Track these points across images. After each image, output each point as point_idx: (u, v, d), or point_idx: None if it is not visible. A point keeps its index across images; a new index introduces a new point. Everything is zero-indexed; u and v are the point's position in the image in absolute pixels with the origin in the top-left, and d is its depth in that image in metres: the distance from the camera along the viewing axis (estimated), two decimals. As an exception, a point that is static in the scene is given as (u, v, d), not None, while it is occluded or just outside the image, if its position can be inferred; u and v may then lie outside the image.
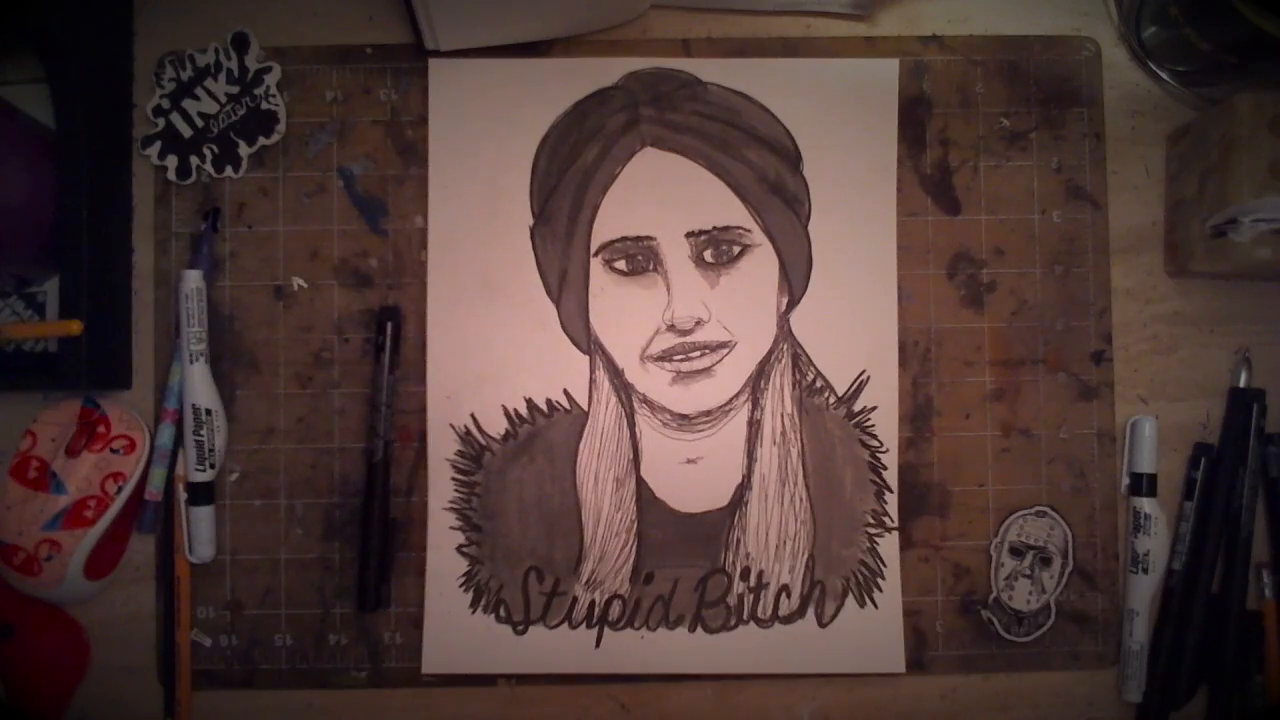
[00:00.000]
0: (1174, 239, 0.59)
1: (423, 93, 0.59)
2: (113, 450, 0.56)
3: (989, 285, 0.59)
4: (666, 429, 0.58)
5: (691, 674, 0.58)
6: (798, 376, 0.58)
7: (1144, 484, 0.58)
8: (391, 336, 0.58)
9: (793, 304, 0.59)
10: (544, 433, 0.58)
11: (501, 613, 0.58)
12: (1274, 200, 0.51)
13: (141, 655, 0.58)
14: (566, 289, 0.59)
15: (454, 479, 0.58)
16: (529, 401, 0.58)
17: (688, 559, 0.58)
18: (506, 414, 0.58)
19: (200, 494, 0.56)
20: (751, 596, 0.58)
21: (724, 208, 0.58)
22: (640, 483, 0.58)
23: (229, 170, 0.59)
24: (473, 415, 0.58)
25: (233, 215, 0.59)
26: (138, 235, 0.59)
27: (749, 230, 0.58)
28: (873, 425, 0.58)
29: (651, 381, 0.58)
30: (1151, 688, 0.57)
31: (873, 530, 0.58)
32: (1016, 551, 0.58)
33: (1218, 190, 0.54)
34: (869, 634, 0.58)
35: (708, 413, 0.58)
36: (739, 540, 0.58)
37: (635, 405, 0.58)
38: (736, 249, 0.58)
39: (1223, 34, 0.54)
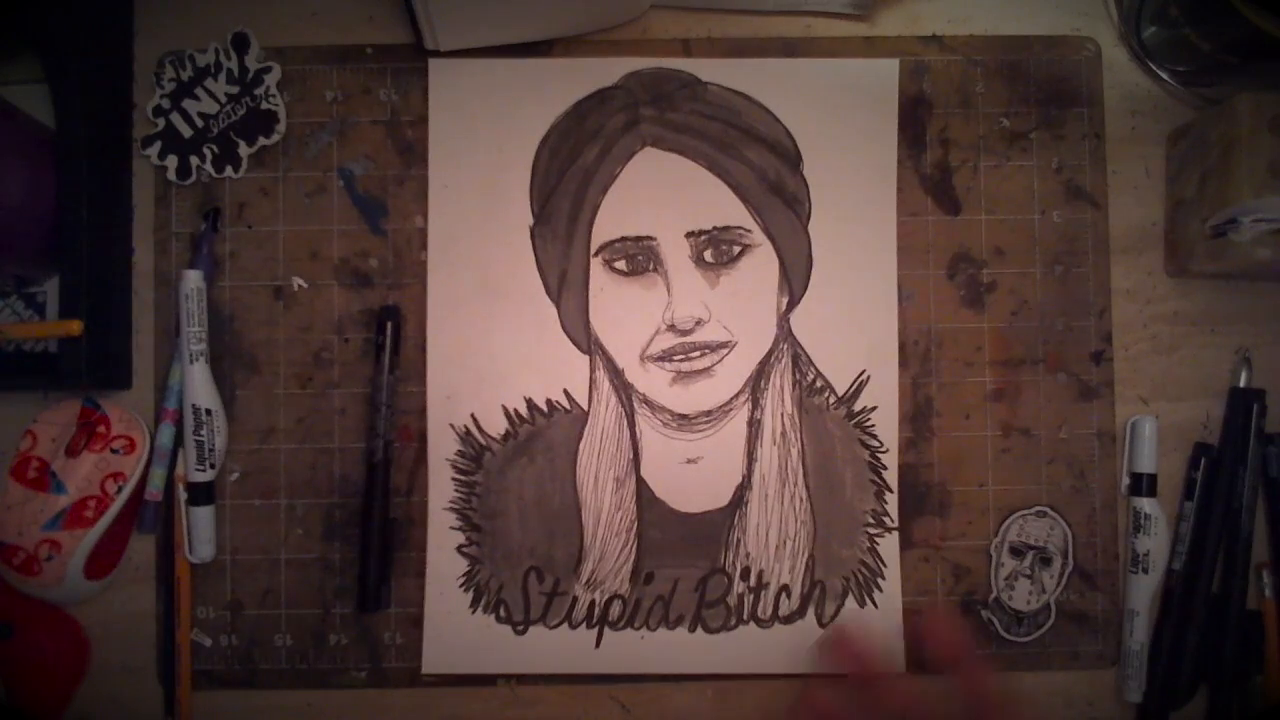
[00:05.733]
0: (1174, 239, 0.59)
1: (423, 93, 0.59)
2: (113, 450, 0.56)
3: (989, 285, 0.59)
4: (666, 429, 0.58)
5: (691, 674, 0.58)
6: (798, 376, 0.58)
7: (1144, 484, 0.58)
8: (391, 336, 0.58)
9: (793, 304, 0.59)
10: (544, 433, 0.58)
11: (501, 613, 0.58)
12: (1274, 200, 0.51)
13: (141, 655, 0.58)
14: (566, 289, 0.59)
15: (454, 479, 0.58)
16: (529, 401, 0.58)
17: (688, 559, 0.58)
18: (506, 414, 0.58)
19: (200, 494, 0.56)
20: (751, 596, 0.58)
21: (724, 208, 0.58)
22: (640, 483, 0.58)
23: (229, 170, 0.59)
24: (473, 415, 0.58)
25: (233, 215, 0.59)
26: (138, 235, 0.59)
27: (749, 230, 0.58)
28: (873, 425, 0.58)
29: (651, 381, 0.58)
30: (1151, 688, 0.57)
31: (873, 530, 0.58)
32: (1016, 551, 0.58)
33: (1218, 190, 0.54)
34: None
35: (708, 413, 0.58)
36: (739, 540, 0.58)
37: (635, 405, 0.58)
38: (737, 249, 0.58)
39: (1223, 34, 0.54)
